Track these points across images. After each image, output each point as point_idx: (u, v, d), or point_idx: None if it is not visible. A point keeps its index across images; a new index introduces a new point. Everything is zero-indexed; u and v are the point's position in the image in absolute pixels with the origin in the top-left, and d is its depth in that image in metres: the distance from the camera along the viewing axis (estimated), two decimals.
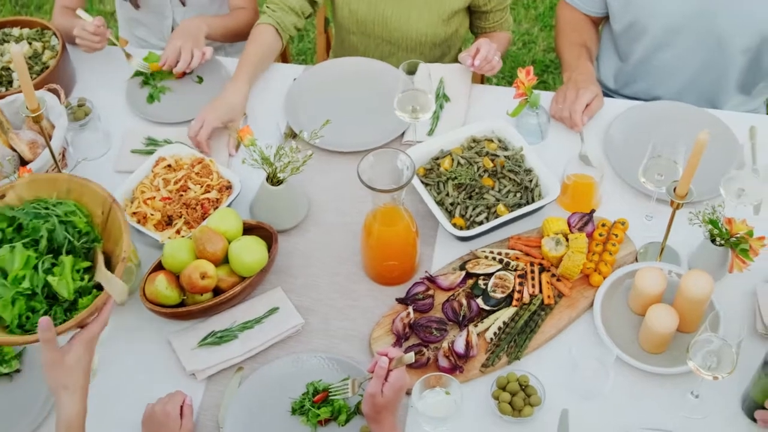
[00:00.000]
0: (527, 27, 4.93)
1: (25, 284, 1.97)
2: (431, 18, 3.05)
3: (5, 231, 2.04)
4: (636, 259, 2.49)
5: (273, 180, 2.47)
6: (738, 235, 2.30)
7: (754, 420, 2.15)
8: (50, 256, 2.02)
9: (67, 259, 2.00)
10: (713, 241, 2.34)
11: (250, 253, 2.34)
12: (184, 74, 3.00)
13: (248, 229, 2.46)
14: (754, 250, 2.29)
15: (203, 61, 2.95)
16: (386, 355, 2.00)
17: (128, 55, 3.01)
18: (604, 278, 2.41)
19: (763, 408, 2.13)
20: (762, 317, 2.31)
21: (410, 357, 2.00)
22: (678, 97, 3.04)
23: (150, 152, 2.73)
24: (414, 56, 3.16)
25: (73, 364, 1.91)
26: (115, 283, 1.96)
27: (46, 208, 2.06)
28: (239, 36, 3.23)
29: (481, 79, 3.49)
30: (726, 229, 2.31)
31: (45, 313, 1.96)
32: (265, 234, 2.45)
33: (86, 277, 2.02)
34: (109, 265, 2.04)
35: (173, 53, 2.94)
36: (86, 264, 2.04)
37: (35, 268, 1.98)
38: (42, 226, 2.02)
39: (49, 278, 1.97)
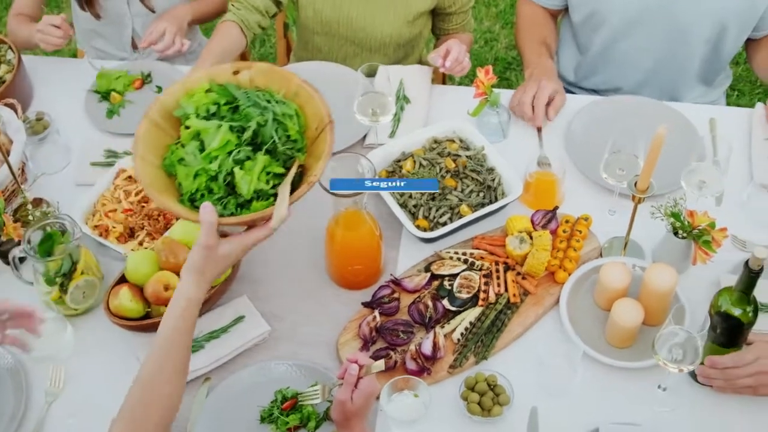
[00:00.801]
0: (488, 25, 4.94)
1: (214, 165, 1.97)
2: (396, 19, 3.05)
3: (221, 107, 2.05)
4: (600, 255, 2.49)
5: None
6: (700, 227, 2.31)
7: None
8: (249, 148, 2.01)
9: (262, 158, 1.99)
10: (676, 234, 2.35)
11: None
12: (142, 84, 2.98)
13: None
14: (716, 241, 2.30)
15: (182, 50, 2.99)
16: (356, 362, 1.99)
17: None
18: (569, 275, 2.41)
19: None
20: None
21: (380, 365, 1.99)
22: (639, 88, 3.06)
23: (110, 164, 2.71)
24: (378, 57, 3.16)
25: (222, 256, 1.93)
26: (282, 206, 1.94)
27: (269, 101, 2.05)
28: (212, 15, 3.38)
29: (443, 78, 3.50)
30: (688, 222, 2.32)
31: (219, 200, 1.98)
32: None
33: (272, 182, 2.00)
34: (295, 184, 2.01)
35: (157, 34, 2.99)
36: (279, 170, 2.02)
37: (230, 153, 1.98)
38: (255, 117, 2.01)
39: (236, 170, 1.97)
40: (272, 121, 2.01)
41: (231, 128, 2.00)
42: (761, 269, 1.95)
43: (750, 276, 1.98)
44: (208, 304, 2.35)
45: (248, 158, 2.00)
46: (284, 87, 2.11)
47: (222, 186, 1.98)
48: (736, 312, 2.06)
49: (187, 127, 2.03)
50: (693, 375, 2.22)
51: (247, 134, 2.00)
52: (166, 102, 2.09)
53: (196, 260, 1.91)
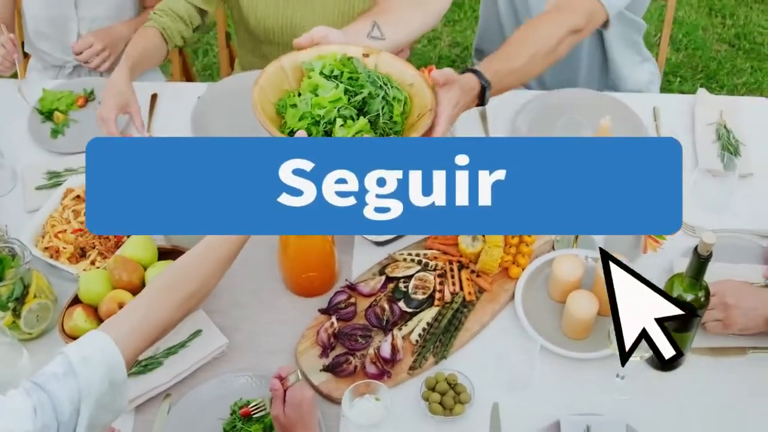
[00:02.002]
0: None
1: (320, 111, 2.17)
2: (340, 20, 3.03)
3: (344, 73, 2.25)
4: (553, 248, 2.51)
5: None
6: None
7: (664, 368, 2.26)
8: (355, 111, 2.20)
9: (363, 121, 2.18)
10: None
11: None
12: (86, 102, 2.96)
13: (164, 254, 2.43)
14: None
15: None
16: (279, 376, 2.02)
17: (21, 89, 2.98)
18: (523, 270, 2.43)
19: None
20: None
21: (295, 377, 2.00)
22: (582, 77, 3.07)
23: (56, 185, 2.69)
24: None
25: None
26: None
27: (385, 84, 2.26)
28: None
29: None
30: None
31: None
32: None
33: None
34: None
35: (84, 46, 3.06)
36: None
37: (337, 109, 2.17)
38: (367, 87, 2.22)
39: (338, 120, 2.16)
40: (381, 99, 2.22)
41: (345, 90, 2.21)
42: (710, 255, 1.98)
43: (699, 262, 2.00)
44: None
45: (351, 117, 2.18)
46: (401, 77, 2.33)
47: (321, 131, 2.16)
48: (688, 298, 2.09)
49: (309, 77, 2.27)
50: (650, 362, 2.25)
51: (357, 98, 2.21)
52: (299, 57, 2.35)
53: None
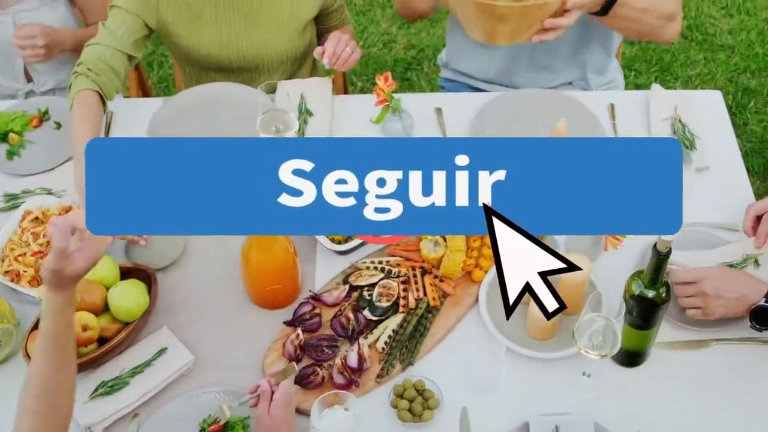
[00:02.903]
0: (385, 27, 4.96)
1: None
2: (288, 34, 3.03)
3: None
4: None
5: None
6: None
7: (629, 365, 2.28)
8: None
9: None
10: None
11: (129, 297, 2.30)
12: (41, 122, 2.93)
13: (125, 273, 2.42)
14: None
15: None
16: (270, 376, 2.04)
17: None
18: (486, 272, 2.44)
19: (633, 352, 2.26)
20: None
21: (292, 366, 2.02)
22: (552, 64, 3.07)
23: (14, 207, 2.66)
24: (277, 76, 3.14)
25: None
26: None
27: None
28: None
29: (344, 88, 3.51)
30: None
31: None
32: (144, 275, 2.41)
33: None
34: None
35: (27, 35, 2.99)
36: None
37: None
38: None
39: None
40: None
41: None
42: (669, 251, 2.00)
43: (659, 259, 2.02)
44: (128, 341, 2.32)
45: None
46: None
47: None
48: (650, 294, 2.10)
49: None
50: (616, 358, 2.27)
51: None
52: None
53: None
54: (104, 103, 2.77)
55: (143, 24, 2.87)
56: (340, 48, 2.84)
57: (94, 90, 2.73)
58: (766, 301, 2.21)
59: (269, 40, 3.00)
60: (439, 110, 2.89)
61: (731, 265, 2.37)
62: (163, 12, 2.89)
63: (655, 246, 2.00)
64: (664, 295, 2.11)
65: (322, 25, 3.21)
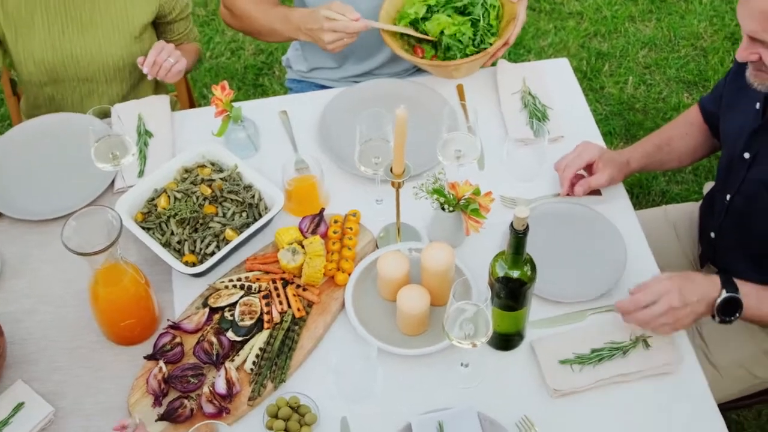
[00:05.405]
0: (231, 35, 4.83)
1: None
2: (122, 39, 2.90)
3: None
4: (377, 246, 2.44)
5: None
6: (465, 197, 2.29)
7: (505, 348, 2.24)
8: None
9: (462, 18, 2.75)
10: (443, 209, 2.33)
11: None
12: None
13: None
14: (484, 207, 2.29)
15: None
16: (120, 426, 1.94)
17: None
18: (349, 275, 2.35)
19: (507, 335, 2.21)
20: None
21: (133, 422, 1.94)
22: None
23: None
24: (116, 86, 3.01)
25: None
26: None
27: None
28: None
29: (190, 101, 3.39)
30: (452, 195, 2.30)
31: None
32: None
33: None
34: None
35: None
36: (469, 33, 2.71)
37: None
38: None
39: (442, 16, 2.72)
40: (481, 6, 2.75)
41: (454, 9, 2.77)
42: (527, 228, 1.94)
43: (517, 237, 1.96)
44: None
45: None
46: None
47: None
48: (515, 274, 2.04)
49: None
50: (491, 343, 2.21)
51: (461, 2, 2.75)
52: None
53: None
54: None
55: None
56: (162, 57, 2.73)
57: None
58: (726, 292, 2.17)
59: (104, 45, 2.88)
60: (284, 113, 2.79)
61: (623, 349, 2.28)
62: None
63: (511, 224, 1.94)
64: (529, 273, 2.06)
65: (164, 37, 3.10)
